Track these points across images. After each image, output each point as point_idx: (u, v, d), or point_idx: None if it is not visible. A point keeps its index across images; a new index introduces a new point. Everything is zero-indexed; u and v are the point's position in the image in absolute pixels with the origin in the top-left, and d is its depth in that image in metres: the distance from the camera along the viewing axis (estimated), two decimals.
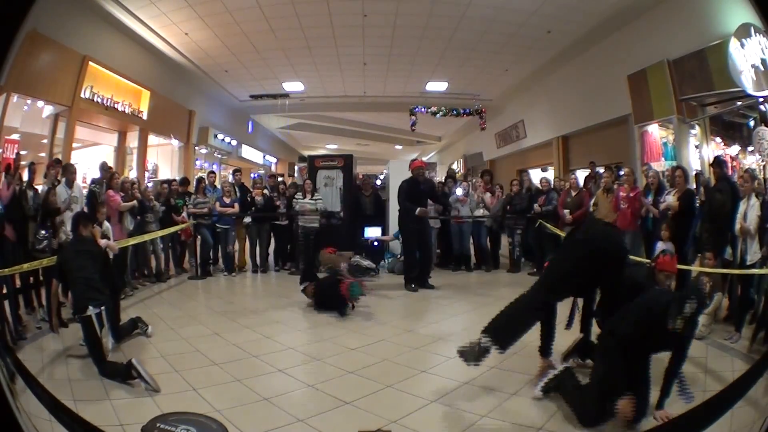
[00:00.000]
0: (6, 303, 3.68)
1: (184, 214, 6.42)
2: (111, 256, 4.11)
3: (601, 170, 6.30)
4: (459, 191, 7.03)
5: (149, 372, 2.83)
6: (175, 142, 9.45)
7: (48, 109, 6.40)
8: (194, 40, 7.80)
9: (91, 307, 3.06)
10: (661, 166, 6.42)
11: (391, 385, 2.91)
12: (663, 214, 4.83)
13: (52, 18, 5.60)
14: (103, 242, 4.18)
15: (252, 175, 10.96)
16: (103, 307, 3.12)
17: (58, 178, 4.82)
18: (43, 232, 4.14)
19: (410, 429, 2.39)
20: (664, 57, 6.31)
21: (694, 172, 5.73)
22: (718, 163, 4.81)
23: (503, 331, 2.69)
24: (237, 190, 6.94)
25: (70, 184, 4.85)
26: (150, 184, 6.89)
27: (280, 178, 9.27)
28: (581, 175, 7.41)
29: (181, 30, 7.42)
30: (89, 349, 3.07)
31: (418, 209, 5.70)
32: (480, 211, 7.04)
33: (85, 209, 4.77)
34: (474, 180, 7.83)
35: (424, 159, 16.47)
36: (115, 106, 7.35)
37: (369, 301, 4.88)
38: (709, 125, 6.14)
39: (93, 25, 6.61)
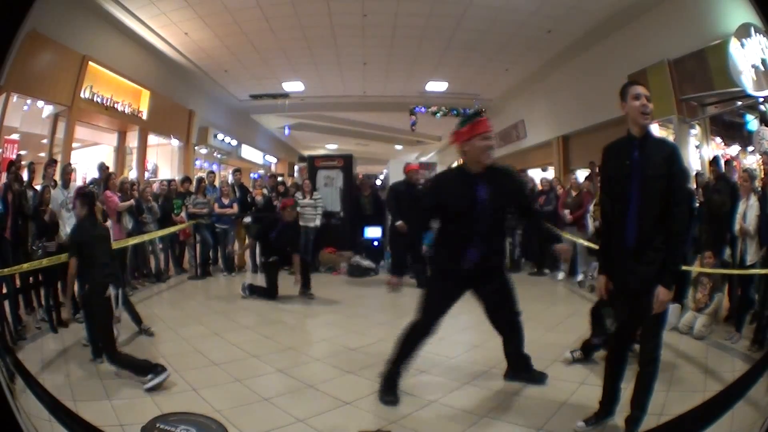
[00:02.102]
0: (6, 303, 3.68)
1: (183, 214, 6.42)
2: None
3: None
4: None
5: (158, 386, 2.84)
6: (174, 142, 9.44)
7: (48, 109, 6.40)
8: (194, 40, 7.80)
9: (111, 287, 3.10)
10: None
11: None
12: None
13: (52, 18, 5.59)
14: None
15: (252, 175, 10.96)
16: (120, 290, 3.17)
17: (55, 178, 4.82)
18: (38, 242, 4.12)
19: (410, 429, 2.39)
20: (664, 57, 6.30)
21: (694, 173, 5.74)
22: (715, 162, 4.82)
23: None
24: (237, 190, 6.94)
25: (66, 184, 4.84)
26: (156, 186, 6.87)
27: (279, 178, 9.27)
28: (581, 175, 7.42)
29: (181, 30, 7.42)
30: (102, 335, 3.09)
31: (397, 223, 5.74)
32: None
33: None
34: None
35: (424, 159, 16.45)
36: (115, 106, 7.35)
37: (369, 302, 4.88)
38: (709, 125, 6.14)
39: (93, 25, 6.60)
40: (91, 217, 3.50)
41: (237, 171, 7.80)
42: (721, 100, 5.90)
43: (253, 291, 5.23)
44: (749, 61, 4.99)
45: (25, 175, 4.49)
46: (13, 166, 4.35)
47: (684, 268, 4.09)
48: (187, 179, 7.14)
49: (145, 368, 2.88)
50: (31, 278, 4.13)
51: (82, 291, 3.30)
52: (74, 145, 6.85)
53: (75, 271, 3.32)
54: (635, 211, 2.18)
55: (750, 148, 5.57)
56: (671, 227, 2.10)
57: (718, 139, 6.12)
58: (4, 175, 4.35)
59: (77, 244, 3.32)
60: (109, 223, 4.76)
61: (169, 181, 6.97)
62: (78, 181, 5.80)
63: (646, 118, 2.22)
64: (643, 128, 2.23)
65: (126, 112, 7.64)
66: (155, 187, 6.60)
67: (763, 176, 4.32)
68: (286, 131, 11.55)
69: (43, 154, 6.34)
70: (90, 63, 6.62)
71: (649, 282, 2.13)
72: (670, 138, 6.47)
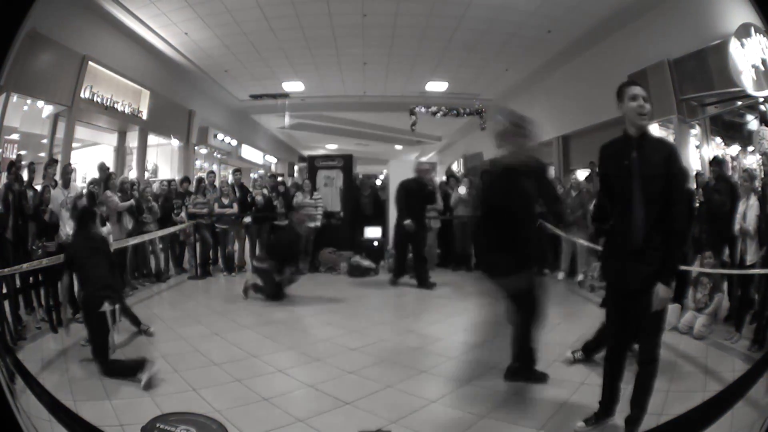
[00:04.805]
0: (6, 303, 3.68)
1: (183, 214, 6.42)
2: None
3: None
4: (462, 190, 7.03)
5: (153, 379, 2.84)
6: (174, 142, 9.44)
7: (48, 109, 6.39)
8: (194, 40, 7.80)
9: (106, 304, 3.08)
10: None
11: (391, 385, 2.90)
12: None
13: (52, 18, 5.59)
14: (104, 230, 4.19)
15: (252, 176, 10.96)
16: (117, 305, 3.14)
17: (55, 178, 4.81)
18: (38, 242, 4.12)
19: (410, 429, 2.39)
20: (665, 57, 6.30)
21: (694, 173, 5.74)
22: (716, 162, 4.81)
23: None
24: (236, 190, 6.95)
25: (66, 184, 4.85)
26: (155, 186, 6.88)
27: (279, 178, 9.27)
28: (581, 175, 7.41)
29: (180, 30, 7.42)
30: (95, 348, 3.07)
31: (406, 222, 5.75)
32: None
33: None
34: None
35: (424, 159, 16.45)
36: (115, 105, 7.34)
37: (369, 302, 4.88)
38: (710, 125, 6.14)
39: (93, 25, 6.60)
40: (85, 231, 3.49)
41: (237, 171, 7.80)
42: (721, 100, 5.90)
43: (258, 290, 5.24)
44: (749, 61, 4.98)
45: (25, 175, 4.48)
46: (14, 167, 4.35)
47: (684, 268, 4.10)
48: (186, 179, 7.14)
49: (134, 368, 2.90)
50: (31, 278, 4.13)
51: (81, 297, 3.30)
52: (74, 145, 6.85)
53: (68, 284, 3.33)
54: (635, 211, 2.18)
55: (750, 148, 5.57)
56: (672, 226, 2.11)
57: (718, 139, 6.12)
58: (5, 175, 4.34)
59: (69, 259, 3.32)
60: (107, 228, 4.73)
61: (169, 181, 6.97)
62: (78, 181, 5.79)
63: (644, 118, 2.22)
64: (641, 128, 2.22)
65: (126, 112, 7.63)
66: (155, 187, 6.60)
67: (763, 176, 4.32)
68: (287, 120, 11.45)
69: (43, 154, 6.33)
70: (90, 63, 6.61)
71: (650, 281, 2.14)
72: (670, 138, 6.49)
